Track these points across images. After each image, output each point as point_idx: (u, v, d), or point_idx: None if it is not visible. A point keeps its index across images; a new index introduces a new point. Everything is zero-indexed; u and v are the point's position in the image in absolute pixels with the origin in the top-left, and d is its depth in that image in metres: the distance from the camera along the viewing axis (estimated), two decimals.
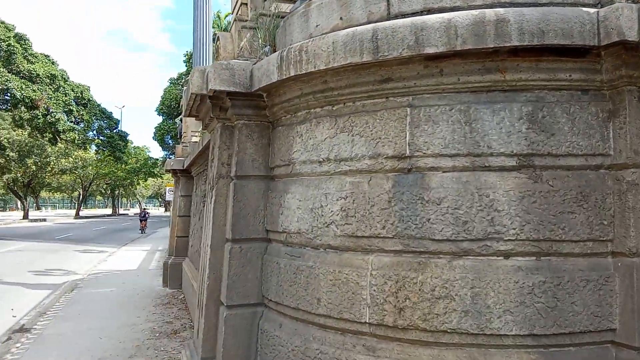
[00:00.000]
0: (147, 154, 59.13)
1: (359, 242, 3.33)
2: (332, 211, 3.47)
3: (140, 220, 30.15)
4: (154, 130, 39.52)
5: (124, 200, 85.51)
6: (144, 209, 33.05)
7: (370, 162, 3.33)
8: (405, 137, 3.22)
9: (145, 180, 64.05)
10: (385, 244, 3.22)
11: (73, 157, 45.33)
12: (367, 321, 3.20)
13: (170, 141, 39.24)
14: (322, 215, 3.52)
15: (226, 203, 4.33)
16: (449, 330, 3.00)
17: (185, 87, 12.72)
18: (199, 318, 4.53)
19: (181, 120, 27.99)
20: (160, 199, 74.10)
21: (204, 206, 8.45)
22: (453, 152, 3.11)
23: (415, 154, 3.19)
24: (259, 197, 4.22)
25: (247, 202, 4.18)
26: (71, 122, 28.72)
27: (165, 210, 62.57)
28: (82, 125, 30.46)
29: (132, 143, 58.10)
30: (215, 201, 4.32)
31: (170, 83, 37.92)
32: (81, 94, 29.31)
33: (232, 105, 4.12)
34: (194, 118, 5.18)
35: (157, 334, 7.85)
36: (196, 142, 11.76)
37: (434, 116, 3.17)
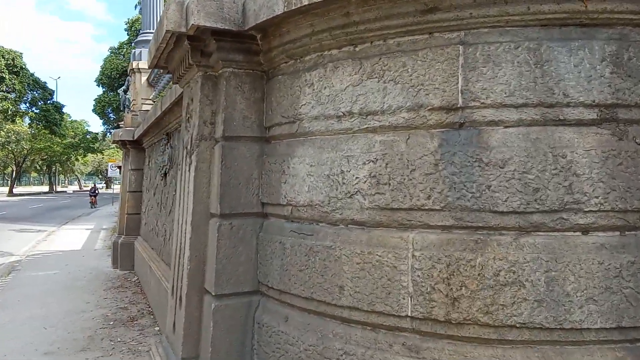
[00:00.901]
0: (86, 128, 56.01)
1: (394, 215, 2.63)
2: (357, 178, 2.75)
3: (91, 196, 33.32)
4: (93, 102, 37.16)
5: (62, 177, 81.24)
6: (94, 185, 37.05)
7: (409, 115, 2.62)
8: (457, 82, 2.52)
9: (85, 156, 60.83)
10: (431, 217, 2.54)
11: (5, 130, 42.12)
12: (409, 314, 2.53)
13: (111, 114, 37.09)
14: (344, 184, 2.79)
15: (210, 170, 3.52)
16: (517, 325, 2.38)
17: (134, 51, 11.47)
18: (174, 309, 3.73)
19: (125, 91, 26.26)
20: (101, 176, 70.83)
21: (163, 179, 7.51)
22: (520, 101, 2.45)
23: (471, 104, 2.50)
24: (252, 163, 3.43)
25: (238, 169, 3.39)
26: (2, 91, 26.36)
27: (107, 188, 59.72)
28: (13, 95, 28.06)
29: (69, 117, 54.83)
30: (197, 168, 3.50)
31: (111, 52, 35.60)
32: (13, 61, 26.93)
33: (219, 48, 3.29)
34: (162, 69, 4.28)
35: (112, 322, 6.95)
36: (147, 110, 10.68)
37: (494, 56, 2.48)
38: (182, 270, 3.61)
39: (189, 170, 3.65)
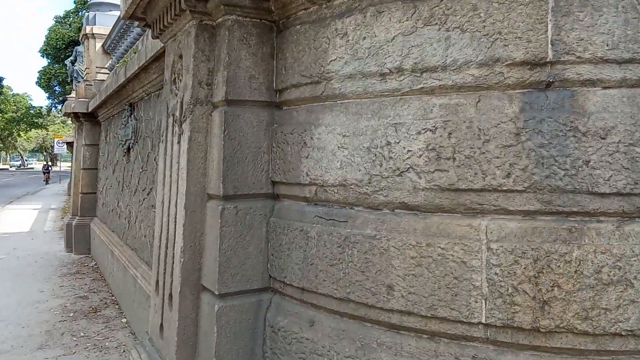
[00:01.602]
0: (29, 102, 52.75)
1: (460, 198, 2.09)
2: (409, 151, 2.18)
3: (44, 173, 34.79)
4: (37, 74, 34.78)
5: (3, 153, 76.79)
6: (47, 163, 40.50)
7: (480, 72, 2.06)
8: (546, 30, 1.98)
9: (28, 132, 57.47)
10: (511, 201, 2.01)
11: None
12: (483, 321, 2.01)
13: (57, 87, 34.91)
14: (391, 158, 2.22)
15: (206, 143, 2.87)
16: (623, 333, 1.90)
17: (87, 14, 10.35)
18: (161, 309, 3.09)
19: (72, 62, 24.55)
20: (45, 152, 67.32)
21: (126, 155, 6.71)
22: (625, 55, 1.93)
23: (563, 58, 1.97)
24: (260, 133, 2.80)
25: (244, 141, 2.76)
26: None
27: (53, 165, 56.69)
28: None
29: (10, 90, 51.45)
30: (191, 139, 2.83)
31: (56, 21, 33.25)
32: None
33: None
34: (137, 21, 3.54)
35: (72, 314, 6.19)
36: (103, 80, 9.73)
37: None
38: (171, 263, 2.96)
39: (178, 143, 2.98)
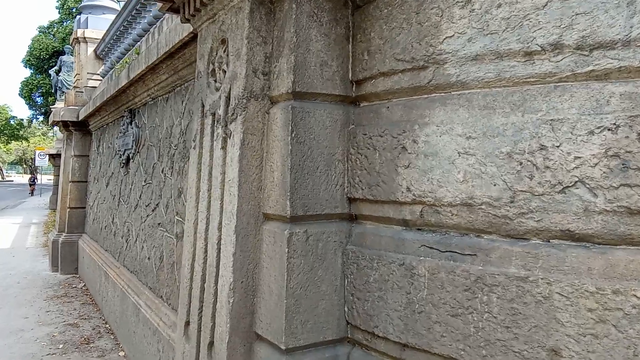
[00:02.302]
0: (9, 113, 51.19)
1: None
2: (576, 158, 1.55)
3: (30, 185, 34.50)
4: (20, 85, 33.61)
5: None
6: (34, 175, 39.99)
7: None
8: None
9: (7, 144, 55.77)
10: None
11: None
12: None
13: (39, 99, 33.77)
14: (547, 168, 1.58)
15: (262, 148, 2.20)
16: None
17: (78, 17, 9.63)
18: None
19: (57, 72, 23.63)
20: (25, 165, 65.47)
21: (124, 166, 5.97)
22: None
23: None
24: (334, 136, 2.15)
25: (315, 146, 2.10)
26: None
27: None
28: None
29: None
30: (243, 144, 2.16)
31: (40, 32, 32.23)
32: None
33: None
34: (162, 3, 2.88)
35: (61, 345, 5.39)
36: (94, 87, 8.99)
37: None
38: (212, 302, 2.27)
39: (223, 148, 2.31)
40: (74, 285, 8.13)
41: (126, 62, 5.88)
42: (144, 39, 5.80)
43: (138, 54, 5.61)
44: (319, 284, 2.05)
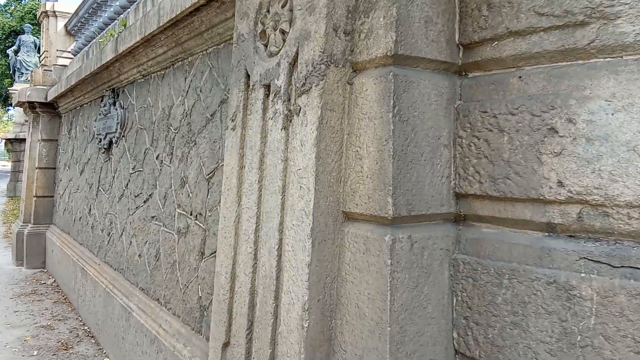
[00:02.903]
0: None
1: None
2: None
3: None
4: None
5: None
6: None
7: None
8: None
9: None
10: None
11: None
12: None
13: None
14: None
15: (341, 129, 1.69)
16: None
17: None
18: None
19: (16, 52, 22.16)
20: None
21: (105, 151, 5.32)
22: None
23: None
24: (439, 113, 1.67)
25: (420, 126, 1.61)
26: None
27: None
28: None
29: None
30: (321, 122, 1.65)
31: None
32: None
33: None
34: None
35: (36, 352, 4.76)
36: (65, 65, 8.20)
37: None
38: (271, 324, 1.76)
39: (284, 129, 1.79)
40: (42, 281, 7.39)
41: (111, 34, 5.20)
42: (131, 9, 5.13)
43: (125, 25, 4.95)
44: (425, 304, 1.57)
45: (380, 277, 1.51)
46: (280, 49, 1.88)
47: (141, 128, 4.62)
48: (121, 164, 5.08)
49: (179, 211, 3.70)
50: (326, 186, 1.65)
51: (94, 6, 6.97)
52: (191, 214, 3.52)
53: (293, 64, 1.80)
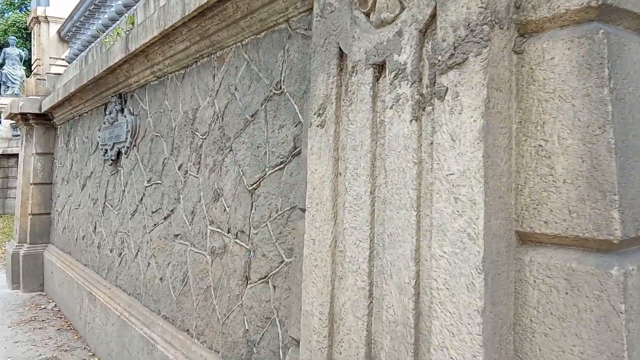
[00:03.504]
0: None
1: None
2: None
3: None
4: None
5: None
6: None
7: None
8: None
9: None
10: None
11: None
12: None
13: None
14: None
15: (509, 115, 1.20)
16: None
17: None
18: None
19: (0, 66, 21.41)
20: None
21: (113, 164, 4.78)
22: None
23: None
24: None
25: (637, 106, 1.12)
26: None
27: None
28: None
29: None
30: (488, 107, 1.15)
31: None
32: None
33: None
34: None
35: None
36: (59, 73, 7.65)
37: None
38: None
39: (418, 120, 1.30)
40: (42, 306, 6.78)
41: (117, 33, 4.67)
42: (139, 4, 4.61)
43: (133, 23, 4.43)
44: None
45: (607, 330, 1.01)
46: (398, 14, 1.38)
47: (157, 135, 4.09)
48: (133, 177, 4.54)
49: (212, 228, 3.19)
50: (496, 197, 1.16)
51: (90, 8, 6.43)
52: (229, 232, 3.00)
53: (425, 31, 1.31)
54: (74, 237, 6.44)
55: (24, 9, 27.96)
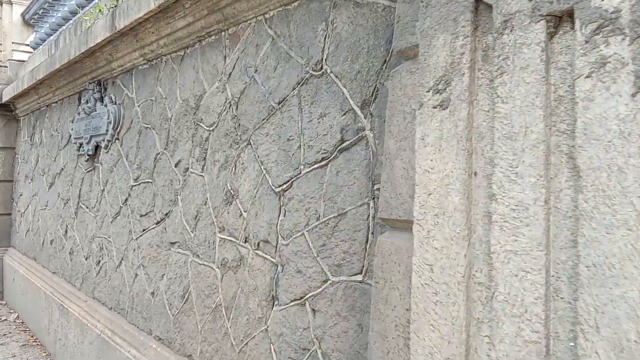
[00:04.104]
0: None
1: None
2: None
3: None
4: None
5: None
6: None
7: None
8: None
9: None
10: None
11: None
12: None
13: None
14: None
15: None
16: None
17: None
18: None
19: None
20: None
21: (90, 159, 4.18)
22: None
23: None
24: None
25: None
26: None
27: None
28: None
29: None
30: None
31: None
32: None
33: None
34: None
35: None
36: (22, 60, 6.93)
37: None
38: None
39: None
40: (2, 317, 6.05)
41: (100, 10, 4.05)
42: None
43: (94, 19, 3.83)
44: None
45: None
46: None
47: (147, 127, 3.53)
48: (115, 174, 3.95)
49: (223, 236, 2.67)
50: None
51: None
52: (246, 241, 2.49)
53: None
54: (39, 241, 5.74)
55: None
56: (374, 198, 1.85)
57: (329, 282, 2.01)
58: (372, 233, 1.84)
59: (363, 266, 1.87)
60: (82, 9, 5.14)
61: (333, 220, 2.01)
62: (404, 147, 1.39)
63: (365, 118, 1.92)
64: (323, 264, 2.04)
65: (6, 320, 5.94)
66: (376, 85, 1.89)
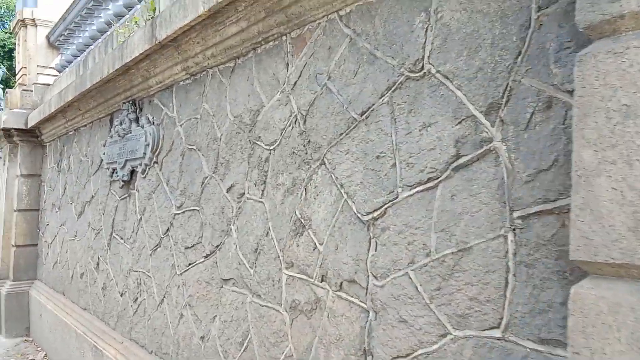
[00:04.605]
0: None
1: None
2: None
3: None
4: None
5: None
6: None
7: None
8: None
9: None
10: None
11: None
12: None
13: None
14: None
15: None
16: None
17: None
18: None
19: None
20: None
21: (124, 186, 3.83)
22: None
23: None
24: None
25: None
26: None
27: None
28: None
29: None
30: None
31: None
32: None
33: None
34: None
35: None
36: (47, 84, 6.71)
37: None
38: None
39: None
40: (29, 356, 5.70)
41: (136, 22, 3.75)
42: None
43: (154, 10, 3.52)
44: None
45: None
46: None
47: (192, 148, 3.18)
48: (154, 202, 3.60)
49: (291, 273, 2.27)
50: None
51: (89, 5, 5.51)
52: (323, 280, 2.09)
53: None
54: (68, 275, 5.41)
55: (1, 26, 26.83)
56: (514, 229, 1.44)
57: (449, 336, 1.59)
58: (515, 275, 1.43)
59: (502, 318, 1.45)
60: (118, 19, 4.86)
61: (451, 257, 1.60)
62: (613, 158, 0.98)
63: (492, 126, 1.52)
64: (439, 313, 1.62)
65: (33, 359, 5.59)
66: (508, 84, 1.49)
